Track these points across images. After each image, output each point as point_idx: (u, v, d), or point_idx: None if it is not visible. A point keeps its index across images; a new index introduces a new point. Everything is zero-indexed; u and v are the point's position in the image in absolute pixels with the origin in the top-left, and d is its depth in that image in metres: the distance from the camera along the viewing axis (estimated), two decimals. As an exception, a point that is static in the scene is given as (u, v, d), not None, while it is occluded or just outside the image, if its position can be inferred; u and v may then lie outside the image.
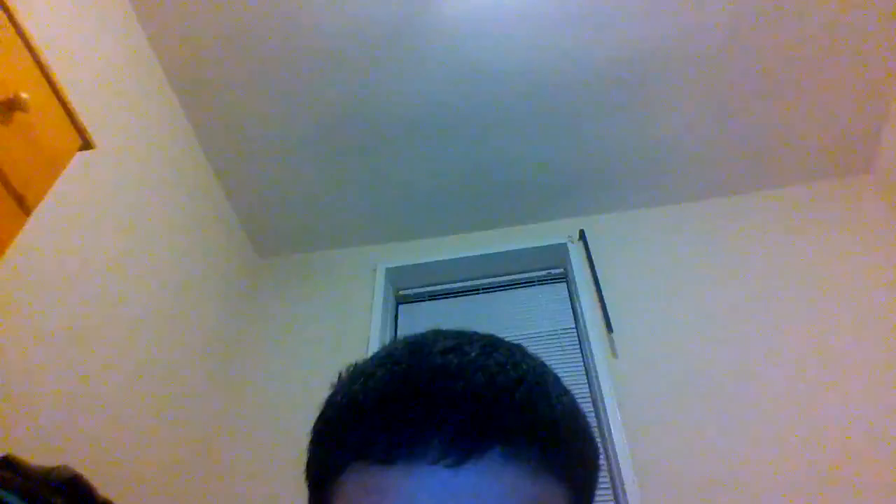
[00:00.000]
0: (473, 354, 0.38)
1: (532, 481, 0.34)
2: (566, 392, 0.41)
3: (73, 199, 1.67)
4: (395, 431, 0.35)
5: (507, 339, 0.43)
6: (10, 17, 1.05)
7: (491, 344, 0.40)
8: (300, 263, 2.82)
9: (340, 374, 0.42)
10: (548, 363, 0.42)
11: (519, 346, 0.42)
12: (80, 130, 1.18)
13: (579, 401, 0.42)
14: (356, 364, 0.43)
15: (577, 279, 2.49)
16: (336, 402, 0.41)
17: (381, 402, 0.37)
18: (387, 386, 0.37)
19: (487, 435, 0.34)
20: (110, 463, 1.67)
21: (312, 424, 0.42)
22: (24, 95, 1.00)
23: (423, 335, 0.43)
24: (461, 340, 0.40)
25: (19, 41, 1.06)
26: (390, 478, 0.34)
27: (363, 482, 0.35)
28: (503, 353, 0.39)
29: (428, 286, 2.73)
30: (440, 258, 2.70)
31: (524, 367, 0.39)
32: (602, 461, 2.01)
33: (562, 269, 2.68)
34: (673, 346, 2.19)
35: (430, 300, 2.71)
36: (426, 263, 2.70)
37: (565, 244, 2.64)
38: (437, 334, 0.42)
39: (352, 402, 0.39)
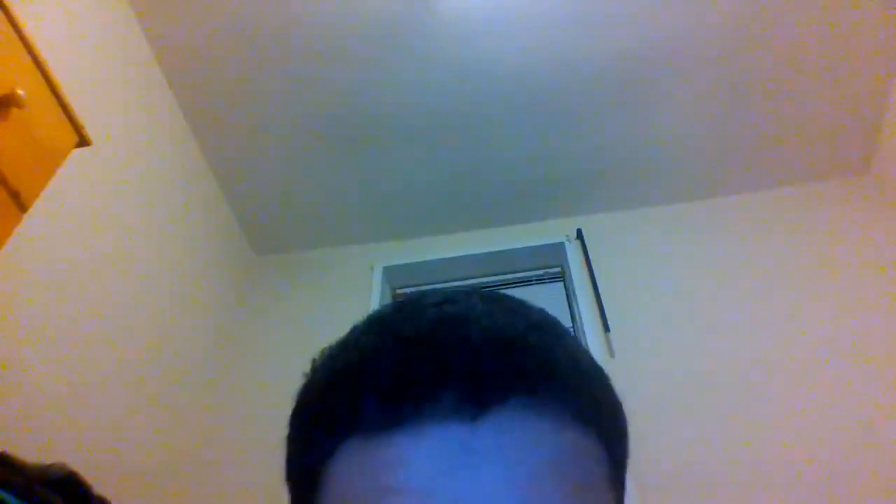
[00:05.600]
0: (475, 301, 0.33)
1: (560, 430, 0.30)
2: (580, 343, 0.37)
3: (68, 197, 1.67)
4: (396, 390, 0.29)
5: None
6: (7, 13, 1.04)
7: (491, 294, 0.35)
8: (297, 261, 2.81)
9: (314, 361, 0.37)
10: None
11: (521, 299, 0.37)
12: (77, 127, 1.17)
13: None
14: (330, 346, 0.37)
15: (574, 278, 2.49)
16: (314, 384, 0.35)
17: (373, 362, 0.31)
18: (378, 345, 0.32)
19: (505, 382, 0.29)
20: (108, 462, 1.66)
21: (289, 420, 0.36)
22: (20, 91, 0.99)
23: (406, 297, 0.37)
24: (455, 295, 0.35)
25: (16, 37, 1.06)
26: (394, 446, 0.28)
27: (359, 461, 0.29)
28: (508, 301, 0.35)
29: (425, 285, 2.72)
30: (437, 257, 2.70)
31: (534, 313, 0.35)
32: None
33: (559, 269, 2.68)
34: (670, 346, 2.19)
35: (427, 299, 2.70)
36: (423, 262, 2.70)
37: (563, 243, 2.64)
38: (423, 293, 0.36)
39: (336, 374, 0.33)
